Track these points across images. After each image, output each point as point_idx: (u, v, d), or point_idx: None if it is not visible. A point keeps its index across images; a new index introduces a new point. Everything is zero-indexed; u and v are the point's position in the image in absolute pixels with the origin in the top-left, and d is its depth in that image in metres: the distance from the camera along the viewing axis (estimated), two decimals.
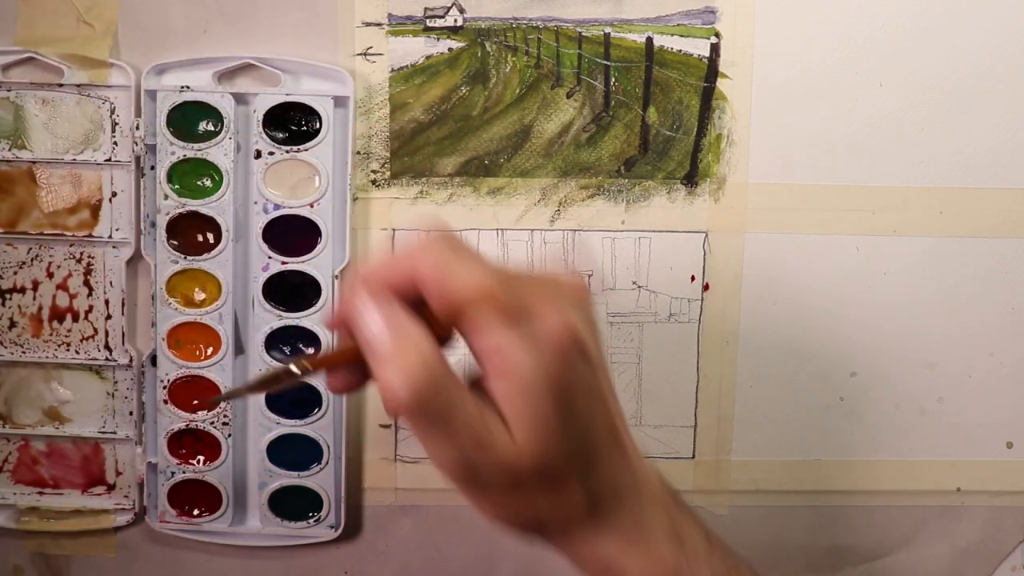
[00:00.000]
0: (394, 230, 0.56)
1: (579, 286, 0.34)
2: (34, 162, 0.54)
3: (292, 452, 0.56)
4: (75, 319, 0.56)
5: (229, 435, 0.56)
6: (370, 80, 0.54)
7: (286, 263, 0.54)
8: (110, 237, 0.55)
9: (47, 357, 0.56)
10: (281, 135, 0.54)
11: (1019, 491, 0.60)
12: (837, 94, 0.55)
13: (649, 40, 0.54)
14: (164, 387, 0.55)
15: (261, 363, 0.55)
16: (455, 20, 0.54)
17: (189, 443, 0.56)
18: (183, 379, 0.55)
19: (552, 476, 0.32)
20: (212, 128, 0.54)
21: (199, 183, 0.54)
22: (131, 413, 0.57)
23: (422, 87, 0.55)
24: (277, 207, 0.54)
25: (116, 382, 0.57)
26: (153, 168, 0.54)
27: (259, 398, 0.55)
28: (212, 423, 0.56)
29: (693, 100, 0.55)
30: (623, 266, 0.57)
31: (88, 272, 0.56)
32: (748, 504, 0.59)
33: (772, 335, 0.57)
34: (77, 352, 0.56)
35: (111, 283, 0.56)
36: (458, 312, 0.30)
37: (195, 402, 0.56)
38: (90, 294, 0.56)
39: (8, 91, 0.54)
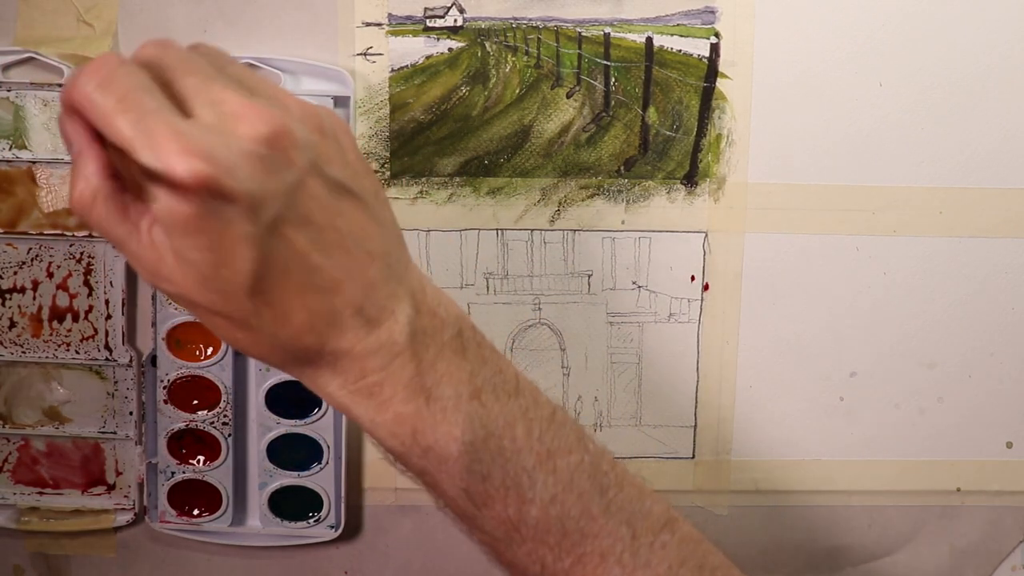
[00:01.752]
0: None
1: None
2: (34, 162, 0.54)
3: (292, 452, 0.56)
4: (75, 319, 0.56)
5: (229, 435, 0.56)
6: (370, 80, 0.54)
7: None
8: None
9: (47, 357, 0.56)
10: None
11: (1019, 491, 0.60)
12: (837, 94, 0.55)
13: (649, 40, 0.54)
14: (164, 387, 0.55)
15: (261, 363, 0.55)
16: (455, 20, 0.54)
17: (189, 443, 0.56)
18: (183, 379, 0.55)
19: (225, 318, 0.31)
20: None
21: None
22: (131, 413, 0.57)
23: (422, 87, 0.55)
24: None
25: (116, 382, 0.57)
26: None
27: (260, 399, 0.55)
28: (212, 423, 0.56)
29: (693, 100, 0.55)
30: (623, 266, 0.57)
31: (88, 272, 0.56)
32: (748, 504, 0.59)
33: (772, 335, 0.57)
34: (77, 352, 0.56)
35: (111, 283, 0.56)
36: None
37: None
38: (90, 294, 0.56)
39: (8, 91, 0.54)
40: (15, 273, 0.56)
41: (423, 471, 0.35)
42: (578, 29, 0.54)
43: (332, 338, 0.33)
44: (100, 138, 0.30)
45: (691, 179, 0.56)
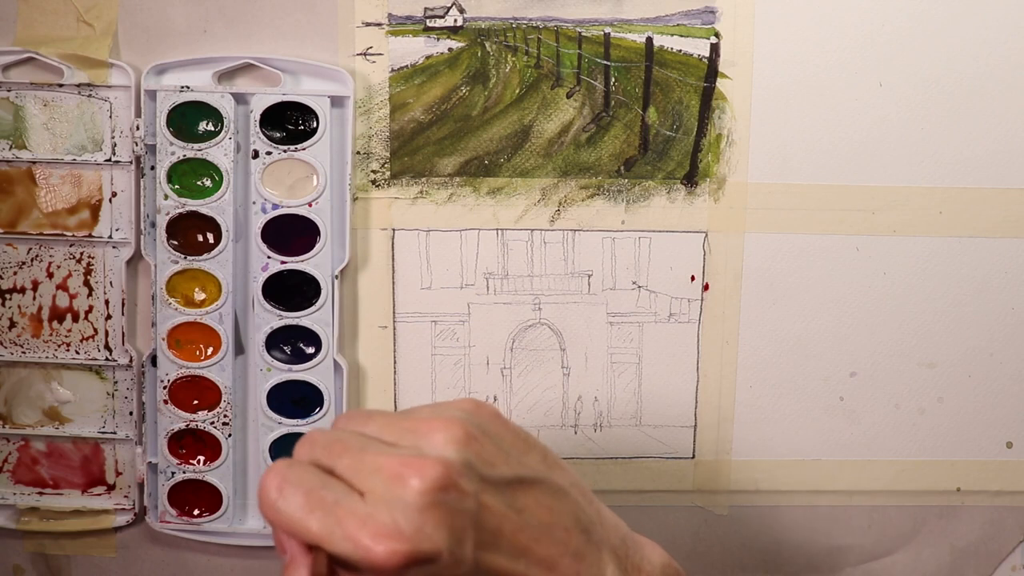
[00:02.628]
0: (394, 230, 0.56)
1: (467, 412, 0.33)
2: (34, 162, 0.54)
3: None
4: (75, 319, 0.56)
5: (229, 435, 0.56)
6: (370, 80, 0.54)
7: (285, 263, 0.54)
8: (110, 237, 0.55)
9: (47, 357, 0.56)
10: (279, 135, 0.54)
11: (1019, 491, 0.60)
12: (837, 94, 0.55)
13: (649, 40, 0.54)
14: (164, 387, 0.55)
15: (262, 363, 0.55)
16: (455, 20, 0.54)
17: (189, 443, 0.56)
18: (183, 379, 0.55)
19: None
20: (212, 128, 0.54)
21: (199, 183, 0.54)
22: (131, 413, 0.57)
23: (422, 87, 0.55)
24: (275, 207, 0.54)
25: (116, 382, 0.57)
26: (153, 168, 0.54)
27: (260, 397, 0.55)
28: (212, 423, 0.56)
29: (693, 100, 0.55)
30: (623, 266, 0.57)
31: (88, 272, 0.56)
32: (748, 504, 0.59)
33: (772, 335, 0.57)
34: (77, 352, 0.56)
35: (111, 283, 0.56)
36: None
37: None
38: (90, 294, 0.56)
39: (8, 91, 0.54)
40: (15, 273, 0.56)
41: None
42: (578, 29, 0.54)
43: None
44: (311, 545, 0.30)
45: (691, 179, 0.56)
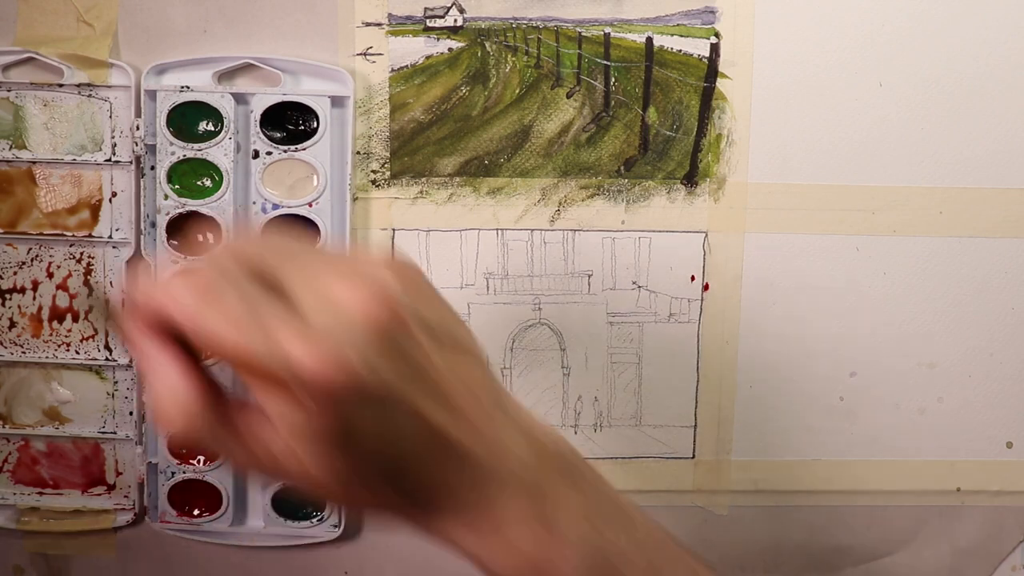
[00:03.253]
0: (394, 230, 0.56)
1: (395, 270, 0.30)
2: (34, 162, 0.54)
3: None
4: (75, 319, 0.56)
5: None
6: (370, 80, 0.54)
7: None
8: (110, 237, 0.55)
9: (47, 357, 0.56)
10: (279, 135, 0.54)
11: (1019, 491, 0.60)
12: (837, 94, 0.55)
13: (649, 40, 0.54)
14: None
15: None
16: (455, 20, 0.54)
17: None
18: None
19: (350, 490, 0.30)
20: (212, 128, 0.54)
21: (199, 183, 0.54)
22: (131, 413, 0.56)
23: (422, 87, 0.55)
24: (276, 207, 0.54)
25: (116, 382, 0.57)
26: (153, 168, 0.54)
27: None
28: None
29: (693, 100, 0.55)
30: (623, 266, 0.57)
31: (88, 272, 0.56)
32: (748, 504, 0.59)
33: (772, 335, 0.57)
34: (77, 352, 0.56)
35: (111, 283, 0.56)
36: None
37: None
38: (90, 294, 0.56)
39: (8, 91, 0.54)
40: (15, 273, 0.56)
41: None
42: (578, 29, 0.54)
43: (460, 486, 0.32)
44: (176, 342, 0.29)
45: (691, 179, 0.56)
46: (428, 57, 0.54)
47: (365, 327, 0.28)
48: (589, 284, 0.57)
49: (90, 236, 0.55)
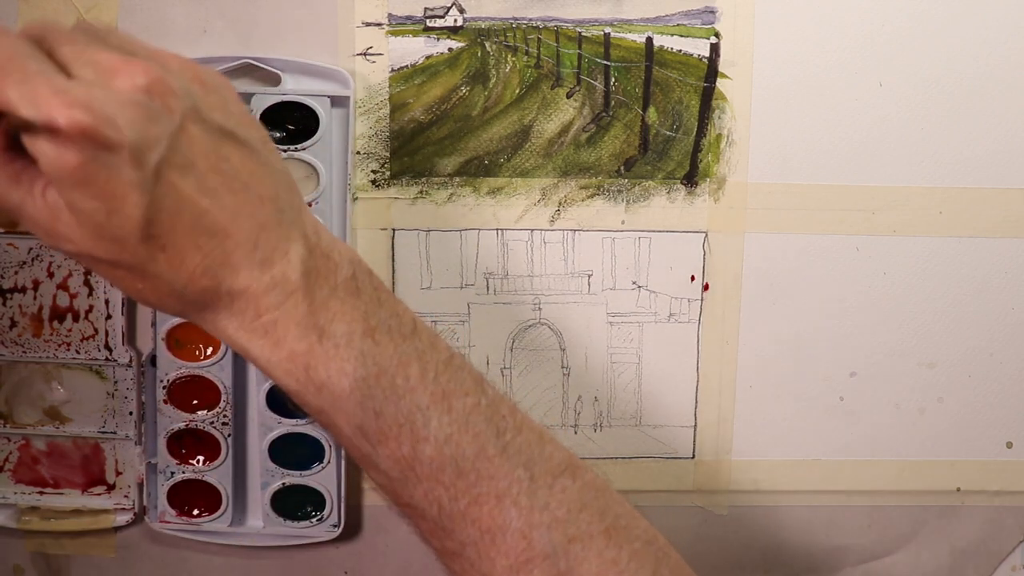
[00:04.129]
0: (394, 230, 0.56)
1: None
2: None
3: (294, 451, 0.56)
4: (75, 319, 0.56)
5: (229, 435, 0.56)
6: (370, 80, 0.54)
7: None
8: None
9: (47, 357, 0.56)
10: (279, 135, 0.54)
11: (1019, 491, 0.60)
12: (837, 94, 0.55)
13: (649, 40, 0.54)
14: (164, 387, 0.55)
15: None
16: (455, 20, 0.54)
17: (189, 443, 0.56)
18: (183, 379, 0.55)
19: (124, 269, 0.33)
20: None
21: None
22: (131, 413, 0.57)
23: (422, 87, 0.55)
24: None
25: (116, 382, 0.57)
26: None
27: (260, 397, 0.55)
28: (212, 423, 0.56)
29: (693, 100, 0.55)
30: (623, 266, 0.57)
31: (88, 272, 0.56)
32: (748, 504, 0.59)
33: (772, 335, 0.57)
34: (77, 352, 0.56)
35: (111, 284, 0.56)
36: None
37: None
38: (90, 294, 0.56)
39: None
40: (16, 273, 0.56)
41: (320, 410, 0.36)
42: (578, 29, 0.54)
43: (227, 279, 0.34)
44: None
45: (691, 179, 0.56)
46: (428, 57, 0.54)
47: (121, 89, 0.30)
48: (589, 284, 0.57)
49: None
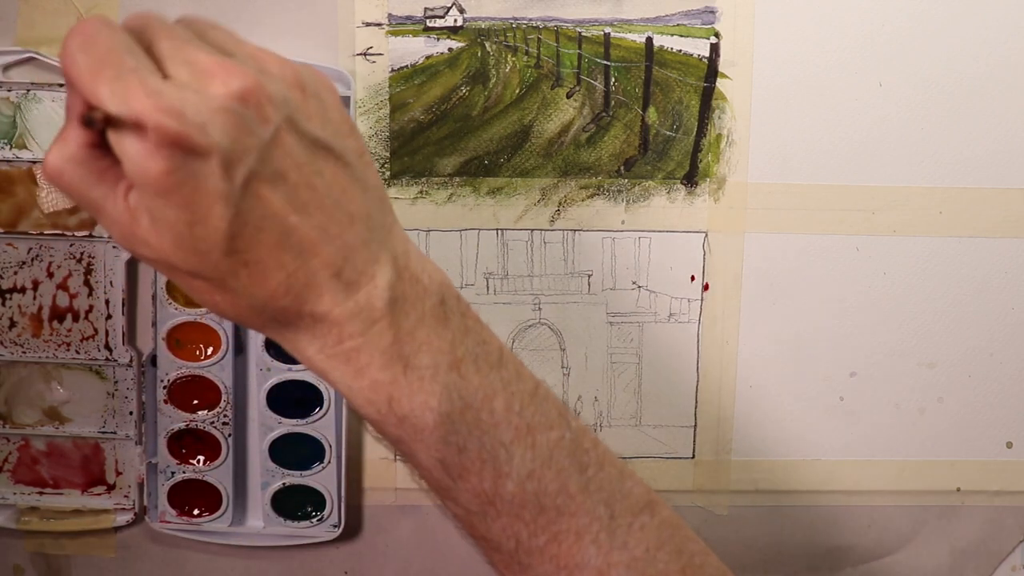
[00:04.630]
0: None
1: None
2: (34, 162, 0.54)
3: (294, 451, 0.56)
4: (75, 319, 0.56)
5: (229, 435, 0.56)
6: (370, 80, 0.54)
7: None
8: (110, 237, 0.55)
9: (47, 357, 0.56)
10: None
11: (1019, 491, 0.60)
12: (837, 94, 0.55)
13: (649, 40, 0.54)
14: (164, 387, 0.55)
15: (261, 362, 0.55)
16: (455, 20, 0.54)
17: (189, 443, 0.56)
18: (183, 379, 0.55)
19: (203, 280, 0.31)
20: None
21: None
22: (131, 413, 0.57)
23: (422, 87, 0.55)
24: None
25: (116, 382, 0.57)
26: None
27: (260, 397, 0.55)
28: (212, 423, 0.56)
29: (693, 100, 0.55)
30: (623, 266, 0.57)
31: (88, 272, 0.56)
32: (748, 504, 0.59)
33: (772, 335, 0.57)
34: (77, 352, 0.56)
35: (111, 283, 0.56)
36: None
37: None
38: (90, 294, 0.56)
39: (8, 91, 0.54)
40: (15, 273, 0.56)
41: (399, 440, 0.35)
42: (578, 29, 0.54)
43: (310, 300, 0.32)
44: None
45: (691, 179, 0.56)
46: (428, 57, 0.54)
47: (215, 95, 0.29)
48: (589, 284, 0.57)
49: (90, 236, 0.55)
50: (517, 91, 0.55)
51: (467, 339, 0.35)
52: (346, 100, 0.54)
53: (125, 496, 0.58)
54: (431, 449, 0.34)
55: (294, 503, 0.57)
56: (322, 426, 0.56)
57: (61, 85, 0.54)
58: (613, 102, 0.55)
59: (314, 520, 0.57)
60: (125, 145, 0.29)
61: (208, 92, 0.29)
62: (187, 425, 0.56)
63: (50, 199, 0.55)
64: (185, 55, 0.30)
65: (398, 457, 0.58)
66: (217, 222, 0.30)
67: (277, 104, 0.30)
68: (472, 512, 0.36)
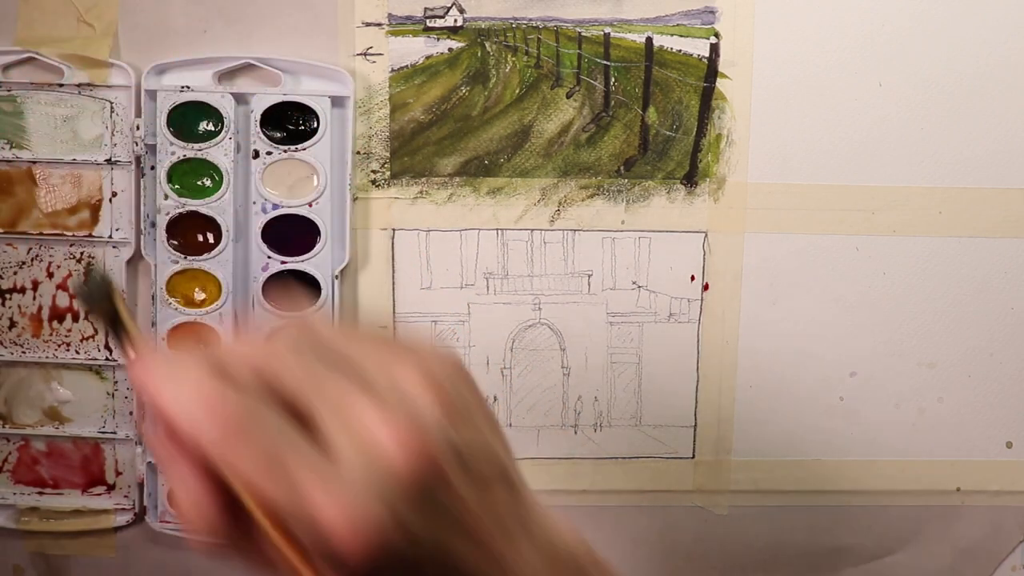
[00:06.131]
0: (394, 230, 0.56)
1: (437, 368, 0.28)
2: (34, 162, 0.54)
3: None
4: (75, 319, 0.56)
5: None
6: (370, 80, 0.54)
7: (285, 263, 0.54)
8: (110, 237, 0.55)
9: (47, 357, 0.56)
10: (279, 135, 0.54)
11: (1019, 491, 0.60)
12: (837, 94, 0.55)
13: (649, 40, 0.54)
14: None
15: None
16: (455, 20, 0.54)
17: None
18: None
19: None
20: (212, 128, 0.54)
21: (199, 183, 0.54)
22: (131, 413, 0.56)
23: (422, 87, 0.55)
24: (276, 206, 0.54)
25: (116, 382, 0.57)
26: (153, 168, 0.54)
27: None
28: None
29: (693, 100, 0.55)
30: (623, 266, 0.57)
31: (88, 272, 0.55)
32: (748, 504, 0.59)
33: (772, 335, 0.57)
34: (77, 352, 0.56)
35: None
36: None
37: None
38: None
39: (8, 91, 0.54)
40: (15, 273, 0.56)
41: None
42: (578, 29, 0.54)
43: None
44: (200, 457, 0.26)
45: (691, 179, 0.56)
46: (428, 57, 0.54)
47: (401, 481, 0.25)
48: (589, 284, 0.57)
49: (90, 236, 0.55)
50: (517, 91, 0.55)
51: None
52: (346, 100, 0.54)
53: (125, 496, 0.58)
54: None
55: None
56: None
57: (61, 85, 0.54)
58: (613, 102, 0.55)
59: None
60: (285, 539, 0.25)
61: (387, 473, 0.25)
62: None
63: (50, 199, 0.55)
64: (340, 417, 0.26)
65: None
66: None
67: (447, 452, 0.27)
68: None
